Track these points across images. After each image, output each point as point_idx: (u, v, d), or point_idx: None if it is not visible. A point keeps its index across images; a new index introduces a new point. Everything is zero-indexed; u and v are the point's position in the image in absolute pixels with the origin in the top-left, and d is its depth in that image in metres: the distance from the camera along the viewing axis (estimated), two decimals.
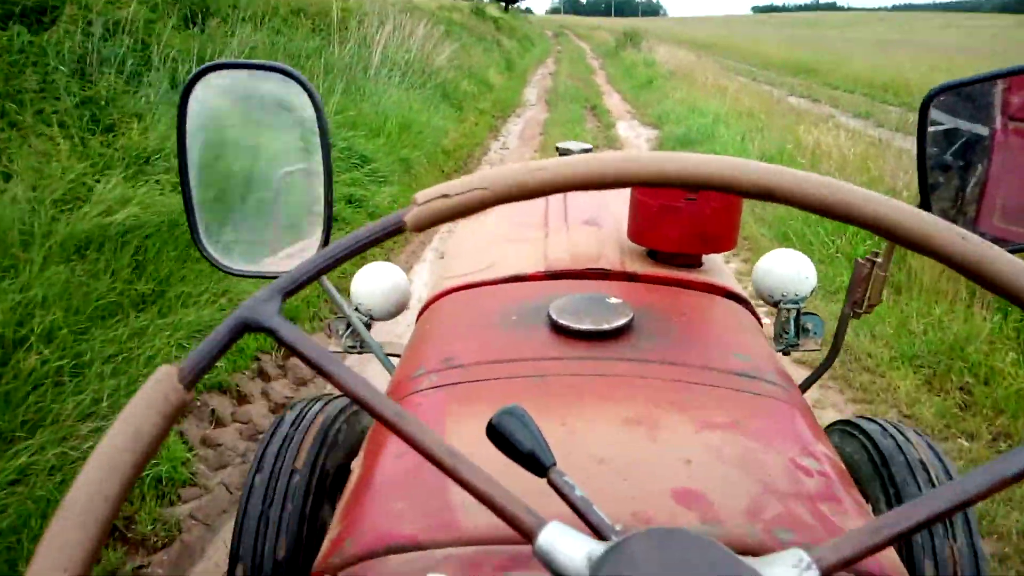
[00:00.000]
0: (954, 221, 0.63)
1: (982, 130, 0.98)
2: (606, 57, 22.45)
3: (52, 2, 4.26)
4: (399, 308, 1.28)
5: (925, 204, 0.94)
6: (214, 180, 1.01)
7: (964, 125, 0.97)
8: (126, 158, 3.62)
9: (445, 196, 0.43)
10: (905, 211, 0.40)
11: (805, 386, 1.15)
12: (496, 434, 0.43)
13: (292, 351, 0.40)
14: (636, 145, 8.22)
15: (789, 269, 1.24)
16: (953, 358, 2.97)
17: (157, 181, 3.54)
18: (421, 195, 0.43)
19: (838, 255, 4.11)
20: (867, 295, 1.07)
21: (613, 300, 0.88)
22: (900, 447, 1.02)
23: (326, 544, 0.61)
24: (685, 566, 0.33)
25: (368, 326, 1.25)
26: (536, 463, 0.42)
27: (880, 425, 1.08)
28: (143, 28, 4.77)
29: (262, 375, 2.93)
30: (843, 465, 0.70)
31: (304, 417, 1.06)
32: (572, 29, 54.52)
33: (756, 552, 0.40)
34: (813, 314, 1.29)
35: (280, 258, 1.02)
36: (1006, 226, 0.96)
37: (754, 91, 12.07)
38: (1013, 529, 2.05)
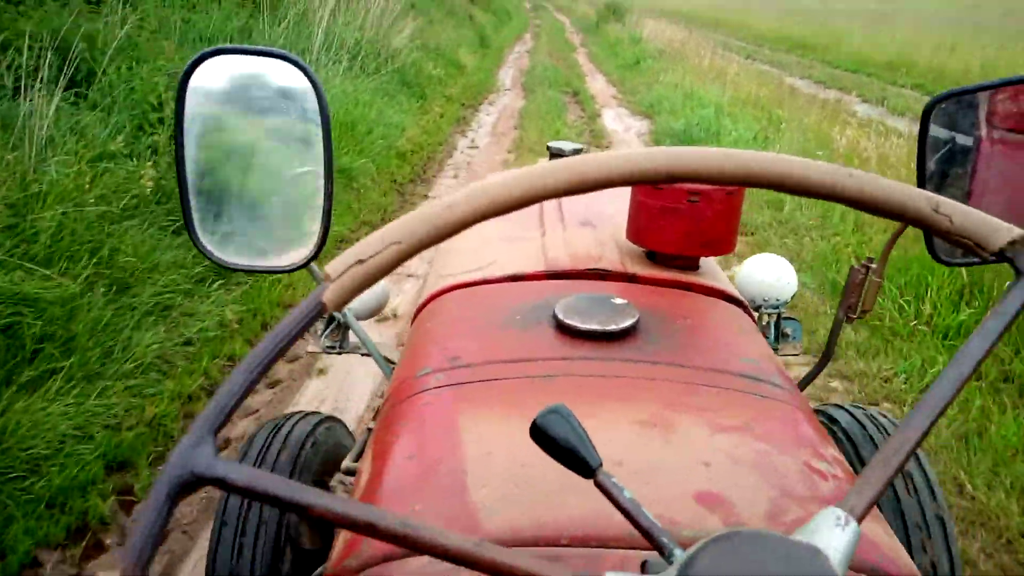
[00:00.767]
0: None
1: (977, 136, 0.99)
2: (587, 32, 21.06)
3: None
4: (379, 307, 1.33)
5: None
6: (211, 170, 0.97)
7: (961, 134, 0.99)
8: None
9: (360, 262, 0.42)
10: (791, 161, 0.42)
11: (799, 387, 1.12)
12: (541, 434, 0.42)
13: (250, 496, 0.37)
14: (626, 142, 7.03)
15: (770, 274, 1.26)
16: None
17: None
18: (332, 268, 0.42)
19: None
20: (861, 300, 1.08)
21: (618, 301, 0.87)
22: (868, 433, 1.08)
23: (340, 546, 0.60)
24: (760, 564, 0.34)
25: (347, 327, 1.26)
26: (583, 464, 0.41)
27: (849, 412, 1.14)
28: None
29: None
30: (849, 466, 0.69)
31: (278, 432, 1.09)
32: (550, 1, 52.76)
33: None
34: (793, 319, 1.31)
35: (277, 252, 0.98)
36: None
37: (755, 73, 10.86)
38: None
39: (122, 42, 4.10)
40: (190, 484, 0.36)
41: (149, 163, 3.40)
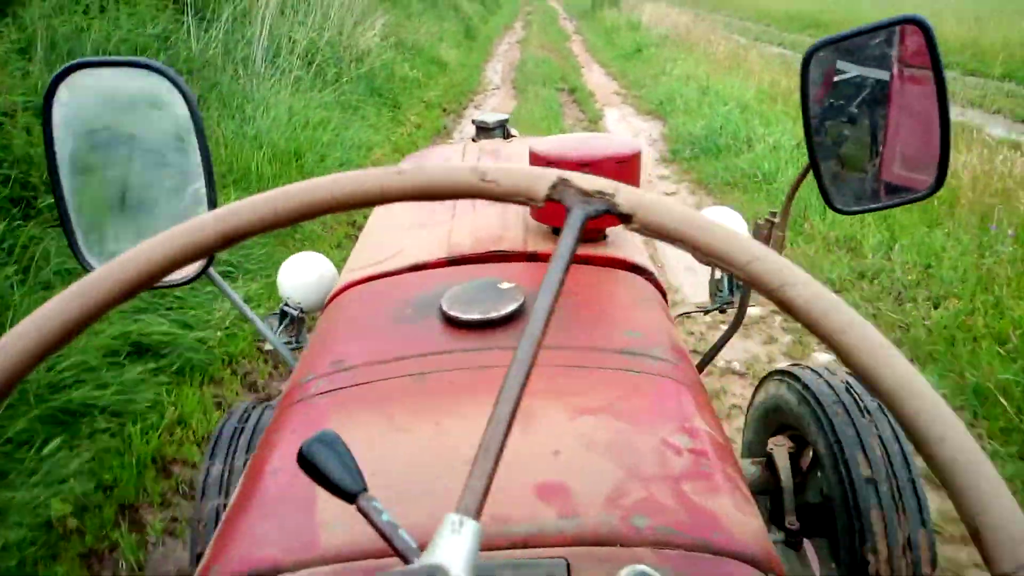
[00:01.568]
0: (858, 171, 1.00)
1: (881, 76, 0.98)
2: (581, 19, 19.82)
3: None
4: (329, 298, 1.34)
5: (812, 159, 0.95)
6: (88, 185, 0.95)
7: (864, 72, 0.97)
8: None
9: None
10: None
11: (707, 359, 1.25)
12: (306, 463, 0.42)
13: None
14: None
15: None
16: None
17: None
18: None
19: None
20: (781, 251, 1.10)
21: (505, 285, 0.86)
22: (832, 387, 1.08)
23: (198, 571, 0.59)
24: None
25: (302, 320, 1.25)
26: (344, 492, 0.41)
27: (812, 370, 1.14)
28: None
29: None
30: (722, 438, 0.68)
31: (250, 415, 1.13)
32: None
33: (612, 542, 0.52)
34: None
35: None
36: (907, 174, 0.98)
37: (776, 60, 9.68)
38: None
39: None
40: None
41: None
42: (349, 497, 0.41)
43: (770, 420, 1.19)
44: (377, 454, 0.61)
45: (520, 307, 0.81)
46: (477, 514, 0.35)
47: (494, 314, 0.80)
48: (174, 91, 0.88)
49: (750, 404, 1.27)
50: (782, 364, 1.42)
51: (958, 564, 1.80)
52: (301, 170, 4.30)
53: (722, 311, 1.29)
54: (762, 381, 1.23)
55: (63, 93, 0.88)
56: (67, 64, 0.88)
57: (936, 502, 1.26)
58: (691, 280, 3.06)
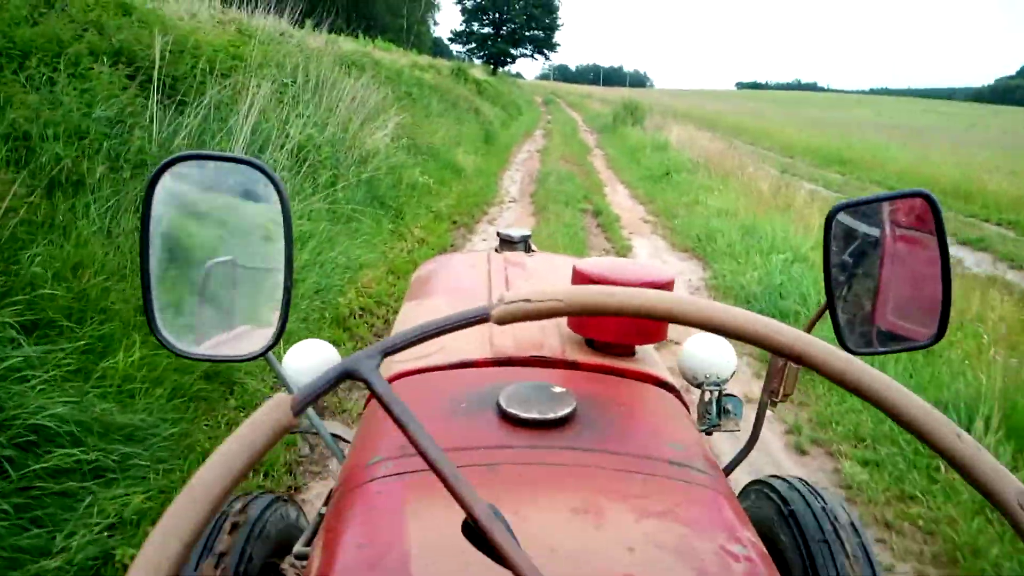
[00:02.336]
0: (861, 316, 1.08)
1: (876, 236, 1.08)
2: (602, 132, 19.55)
3: None
4: None
5: (830, 303, 1.03)
6: (174, 266, 1.02)
7: (865, 230, 1.08)
8: None
9: (527, 300, 0.51)
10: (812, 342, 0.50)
11: (727, 471, 1.21)
12: (471, 531, 0.45)
13: (379, 401, 0.47)
14: None
15: (711, 352, 1.29)
16: None
17: None
18: (507, 295, 0.51)
19: None
20: (783, 385, 1.16)
21: (557, 389, 0.90)
22: (807, 500, 1.14)
23: None
24: None
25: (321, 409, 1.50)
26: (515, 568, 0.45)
27: (788, 482, 1.20)
28: None
29: None
30: (764, 548, 0.73)
31: (232, 509, 1.10)
32: (563, 97, 52.59)
33: None
34: (733, 395, 1.35)
35: (236, 343, 1.01)
36: (910, 325, 1.06)
37: (816, 198, 8.92)
38: None
39: None
40: (352, 375, 0.48)
41: None
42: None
43: None
44: (460, 538, 0.58)
45: (573, 411, 0.86)
46: None
47: (551, 415, 0.84)
48: (270, 187, 0.93)
49: None
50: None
51: None
52: None
53: (708, 433, 1.32)
54: (745, 489, 1.26)
55: (167, 179, 0.94)
56: (173, 155, 0.94)
57: None
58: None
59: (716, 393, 1.30)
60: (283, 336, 0.96)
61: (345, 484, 0.81)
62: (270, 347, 0.96)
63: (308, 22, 8.87)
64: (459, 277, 1.54)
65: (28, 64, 3.66)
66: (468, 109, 14.98)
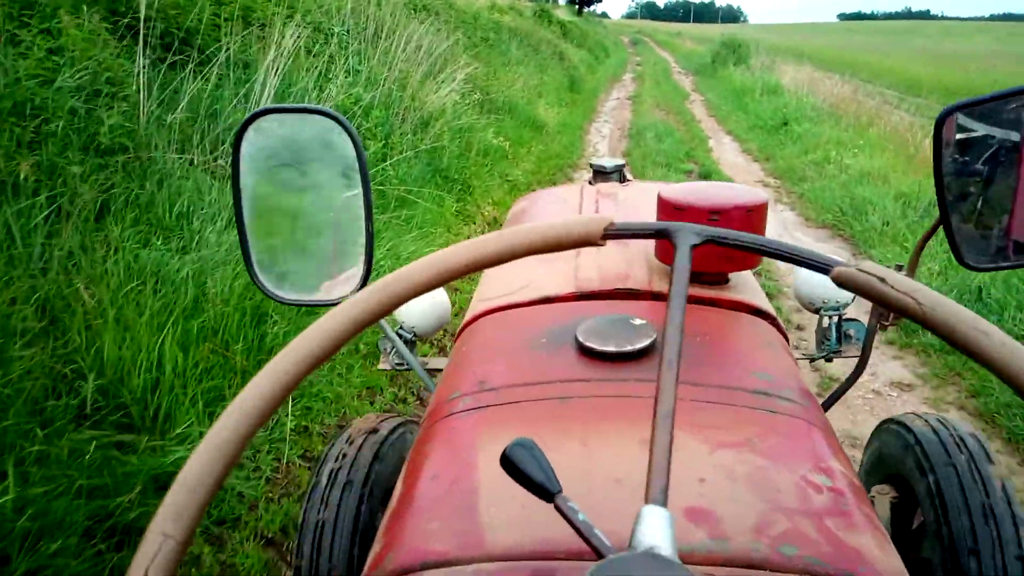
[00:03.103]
0: (988, 228, 0.99)
1: (1013, 138, 0.99)
2: (699, 75, 17.71)
3: None
4: (440, 324, 1.38)
5: (944, 217, 0.95)
6: (266, 215, 1.06)
7: (997, 133, 0.99)
8: None
9: (882, 280, 0.49)
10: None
11: (831, 401, 1.20)
12: (509, 464, 0.47)
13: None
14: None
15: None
16: None
17: None
18: (867, 265, 0.50)
19: None
20: None
21: (638, 321, 0.89)
22: (941, 440, 1.03)
23: (370, 559, 0.64)
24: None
25: (413, 343, 1.37)
26: (543, 491, 0.46)
27: (921, 417, 1.11)
28: None
29: None
30: (857, 480, 0.70)
31: (353, 444, 1.12)
32: (651, 36, 49.63)
33: (762, 567, 0.55)
34: (855, 320, 1.29)
35: (327, 288, 1.04)
36: None
37: None
38: None
39: None
40: None
41: None
42: (547, 496, 0.46)
43: (880, 468, 1.16)
44: None
45: (653, 343, 0.84)
46: (666, 503, 0.40)
47: (628, 348, 0.83)
48: (344, 135, 0.95)
49: (864, 451, 1.23)
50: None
51: None
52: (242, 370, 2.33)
53: (828, 360, 1.29)
54: (876, 429, 1.18)
55: (251, 134, 0.97)
56: (256, 110, 1.00)
57: None
58: None
59: (836, 318, 1.28)
60: (369, 279, 0.95)
61: (428, 418, 0.83)
62: (358, 291, 0.93)
63: None
64: (552, 212, 1.51)
65: None
66: (552, 54, 13.61)
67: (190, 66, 3.36)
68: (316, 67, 4.36)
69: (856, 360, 1.22)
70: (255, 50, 3.91)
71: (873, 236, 4.60)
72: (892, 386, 2.98)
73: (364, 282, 0.97)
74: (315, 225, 1.09)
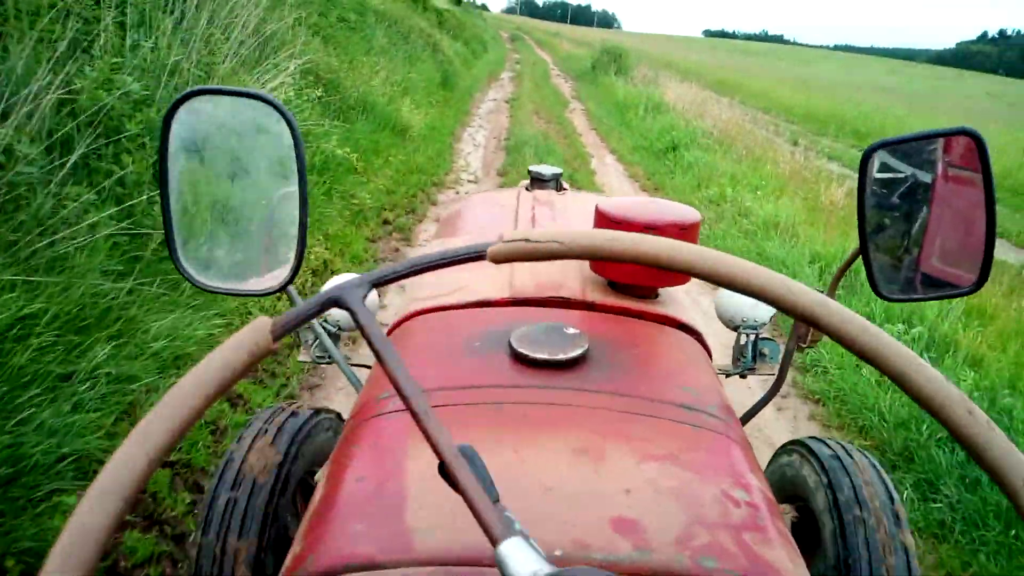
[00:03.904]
0: (901, 261, 1.03)
1: (926, 178, 1.03)
2: (579, 80, 16.99)
3: None
4: None
5: (862, 247, 0.98)
6: (192, 199, 1.02)
7: (914, 172, 1.03)
8: None
9: (526, 240, 0.51)
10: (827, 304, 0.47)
11: (748, 416, 1.21)
12: (447, 471, 0.45)
13: (362, 332, 0.47)
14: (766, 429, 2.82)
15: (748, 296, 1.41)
16: None
17: None
18: (506, 234, 0.52)
19: None
20: (811, 330, 1.11)
21: (571, 330, 0.90)
22: (844, 465, 1.07)
23: (289, 559, 0.62)
24: None
25: (336, 337, 1.32)
26: None
27: (824, 442, 1.14)
28: None
29: None
30: (772, 495, 0.72)
31: (270, 424, 1.10)
32: (529, 33, 49.11)
33: None
34: (770, 339, 1.33)
35: (255, 277, 1.02)
36: (950, 269, 1.02)
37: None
38: None
39: None
40: (338, 303, 0.50)
41: None
42: None
43: (781, 489, 1.18)
44: None
45: (584, 353, 0.86)
46: (510, 535, 0.40)
47: (562, 356, 0.85)
48: (282, 122, 0.92)
49: (765, 471, 1.22)
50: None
51: None
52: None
53: (743, 376, 1.32)
54: (778, 451, 1.22)
55: (182, 114, 0.94)
56: (188, 90, 0.94)
57: None
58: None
59: (753, 336, 1.32)
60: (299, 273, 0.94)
61: (355, 416, 0.82)
62: (287, 282, 0.95)
63: None
64: (486, 216, 1.52)
65: None
66: (424, 45, 12.33)
67: None
68: (67, 34, 2.94)
69: (773, 378, 1.24)
70: None
71: None
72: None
73: (294, 273, 0.94)
74: (245, 213, 1.04)
